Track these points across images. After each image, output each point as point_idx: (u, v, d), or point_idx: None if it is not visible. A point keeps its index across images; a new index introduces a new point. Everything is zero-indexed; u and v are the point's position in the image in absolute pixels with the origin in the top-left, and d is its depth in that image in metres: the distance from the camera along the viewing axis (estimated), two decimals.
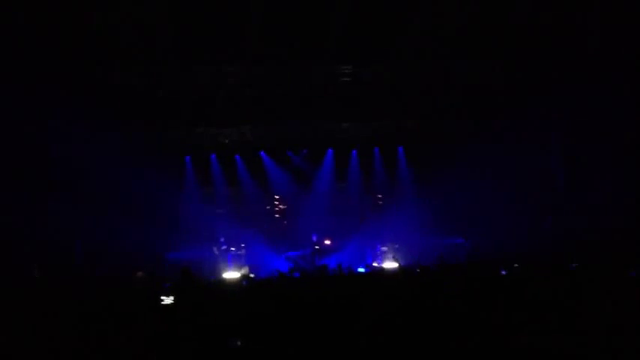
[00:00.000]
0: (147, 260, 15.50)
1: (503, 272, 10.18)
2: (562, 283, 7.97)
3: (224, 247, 17.69)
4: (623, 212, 13.37)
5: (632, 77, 12.95)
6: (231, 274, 16.55)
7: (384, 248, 17.95)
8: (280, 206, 20.19)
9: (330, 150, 19.51)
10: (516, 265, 10.84)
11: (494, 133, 16.73)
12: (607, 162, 14.28)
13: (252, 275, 15.35)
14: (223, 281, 14.65)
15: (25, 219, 13.27)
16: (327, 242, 18.33)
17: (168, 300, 7.87)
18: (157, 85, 15.17)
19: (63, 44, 12.57)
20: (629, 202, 13.36)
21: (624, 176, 13.76)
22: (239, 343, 6.26)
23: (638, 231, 12.49)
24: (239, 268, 17.03)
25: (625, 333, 5.61)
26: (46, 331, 6.49)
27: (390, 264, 17.05)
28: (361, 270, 14.99)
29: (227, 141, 18.72)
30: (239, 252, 17.86)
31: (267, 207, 20.11)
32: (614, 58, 13.19)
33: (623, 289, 7.24)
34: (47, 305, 8.04)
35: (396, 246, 17.85)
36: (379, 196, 20.20)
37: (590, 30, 12.91)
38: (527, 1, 12.30)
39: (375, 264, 17.67)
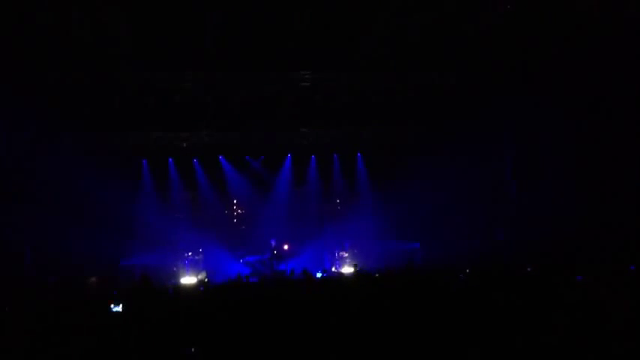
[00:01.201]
0: (101, 267, 15.23)
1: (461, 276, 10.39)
2: (513, 288, 8.17)
3: (182, 252, 17.50)
4: (575, 221, 13.72)
5: (584, 86, 13.33)
6: (189, 280, 16.40)
7: (343, 253, 18.05)
8: (239, 211, 20.12)
9: (289, 155, 19.53)
10: (467, 270, 11.04)
11: (450, 142, 17.00)
12: (558, 172, 14.66)
13: (206, 280, 15.25)
14: (180, 287, 14.49)
15: None
16: (286, 247, 18.33)
17: (118, 307, 7.75)
18: (114, 87, 14.91)
19: (15, 42, 12.25)
20: (580, 211, 13.73)
21: (575, 186, 14.15)
22: (193, 350, 6.22)
23: (588, 238, 12.85)
24: (197, 273, 16.89)
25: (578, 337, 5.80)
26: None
27: (348, 269, 17.17)
28: (319, 275, 15.03)
29: (185, 145, 18.52)
30: (197, 257, 17.71)
31: (226, 212, 20.01)
32: (566, 67, 13.57)
33: (571, 293, 7.46)
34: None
35: (354, 251, 17.98)
36: (337, 201, 20.33)
37: (543, 39, 13.26)
38: (483, 12, 12.55)
39: (333, 269, 17.76)
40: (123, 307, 7.72)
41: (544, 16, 12.50)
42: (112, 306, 7.76)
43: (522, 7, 12.29)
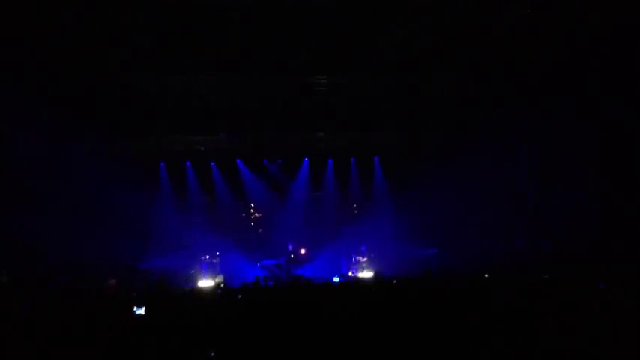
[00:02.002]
0: (119, 269, 15.32)
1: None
2: (532, 294, 8.09)
3: (199, 256, 17.56)
4: (594, 226, 13.57)
5: (602, 89, 13.21)
6: (206, 283, 16.45)
7: (360, 258, 17.99)
8: (256, 215, 20.13)
9: (306, 159, 19.54)
10: (486, 275, 10.96)
11: (468, 146, 16.90)
12: (576, 177, 14.51)
13: (222, 284, 15.28)
14: (197, 290, 14.54)
15: None
16: (303, 251, 18.33)
17: (140, 310, 7.79)
18: (133, 91, 15.04)
19: (38, 47, 12.41)
20: (600, 215, 13.58)
21: (593, 191, 14.00)
22: (212, 353, 6.23)
23: (605, 244, 12.70)
24: (214, 276, 16.95)
25: (595, 343, 5.72)
26: (13, 338, 6.39)
27: (365, 274, 17.12)
28: (336, 279, 15.00)
29: (202, 148, 18.62)
30: (214, 260, 17.75)
31: (243, 215, 20.03)
32: (581, 71, 13.44)
33: (592, 300, 7.36)
34: (15, 312, 7.93)
35: (371, 255, 17.92)
36: (354, 205, 20.27)
37: (559, 44, 13.16)
38: (498, 16, 12.49)
39: (350, 273, 17.71)
40: (145, 309, 7.77)
41: (560, 19, 12.42)
42: (135, 308, 7.81)
43: (539, 10, 12.21)
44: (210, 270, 17.41)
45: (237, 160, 19.23)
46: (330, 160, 19.68)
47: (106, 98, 15.01)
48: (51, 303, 9.43)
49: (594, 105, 13.49)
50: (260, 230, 19.89)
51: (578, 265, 11.25)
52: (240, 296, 9.36)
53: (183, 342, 6.33)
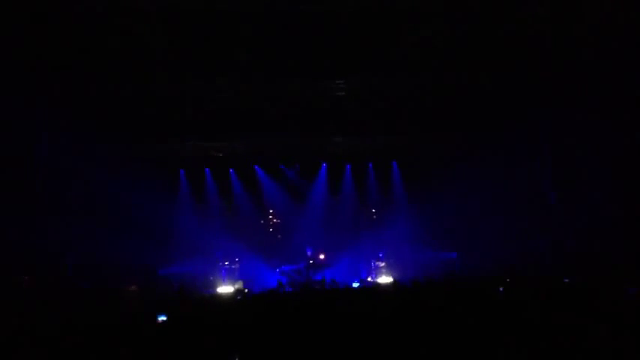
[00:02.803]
0: (139, 274, 15.43)
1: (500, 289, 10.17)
2: (555, 298, 7.98)
3: (218, 262, 17.62)
4: (617, 230, 13.38)
5: (622, 92, 13.05)
6: (225, 289, 16.49)
7: (379, 263, 17.94)
8: (274, 220, 20.19)
9: (324, 164, 19.55)
10: (508, 280, 10.84)
11: (488, 148, 16.79)
12: (598, 179, 14.32)
13: (246, 290, 15.30)
14: (217, 296, 14.58)
15: (15, 230, 13.16)
16: (322, 256, 18.32)
17: (162, 317, 7.82)
18: (150, 97, 15.14)
19: (56, 54, 12.55)
20: (620, 218, 13.38)
21: (616, 194, 13.81)
22: (237, 358, 6.24)
23: (630, 247, 12.51)
24: (233, 282, 16.99)
25: (621, 350, 5.63)
26: (33, 344, 6.43)
27: (384, 279, 17.05)
28: (355, 284, 14.96)
29: (221, 154, 18.72)
30: (233, 266, 17.80)
31: (262, 221, 20.10)
32: (606, 71, 13.28)
33: (618, 305, 7.25)
34: (35, 317, 7.99)
35: (391, 261, 17.85)
36: (373, 210, 20.23)
37: (583, 43, 13.02)
38: (519, 14, 12.38)
39: (369, 279, 17.66)
40: (168, 316, 7.79)
41: (582, 20, 12.29)
42: (158, 315, 7.84)
43: (559, 11, 12.09)
44: (230, 276, 17.46)
45: (255, 166, 19.30)
46: (348, 165, 19.66)
47: (126, 105, 15.13)
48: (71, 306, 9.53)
49: (619, 105, 13.32)
50: (279, 236, 19.94)
51: (602, 269, 11.10)
52: (261, 302, 9.36)
53: (206, 347, 6.34)
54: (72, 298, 12.09)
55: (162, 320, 7.78)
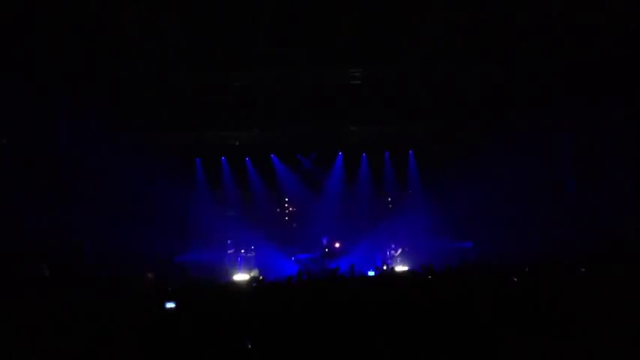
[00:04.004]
0: (156, 262, 15.55)
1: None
2: (571, 287, 7.94)
3: (234, 250, 17.71)
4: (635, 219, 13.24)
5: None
6: (241, 277, 16.58)
7: (394, 252, 17.91)
8: (290, 209, 20.23)
9: (340, 153, 19.52)
10: (526, 269, 10.77)
11: (505, 138, 16.65)
12: (618, 168, 14.14)
13: (261, 277, 15.36)
14: (233, 283, 14.67)
15: (35, 219, 13.33)
16: (337, 245, 18.34)
17: (170, 304, 7.86)
18: (168, 87, 15.22)
19: (75, 45, 12.65)
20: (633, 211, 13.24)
21: (635, 181, 13.64)
22: (249, 345, 6.27)
23: None
24: (249, 270, 17.08)
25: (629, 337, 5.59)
26: (51, 331, 6.53)
27: (400, 267, 17.02)
28: (371, 273, 14.95)
29: (237, 143, 18.76)
30: (249, 254, 17.88)
31: (277, 210, 20.15)
32: (627, 63, 13.09)
33: (632, 292, 7.17)
34: (54, 305, 8.09)
35: (406, 249, 17.82)
36: (389, 199, 20.19)
37: (600, 36, 12.83)
38: (536, 5, 12.22)
39: (384, 267, 17.63)
40: (176, 303, 7.83)
41: (601, 11, 12.10)
42: (166, 303, 7.88)
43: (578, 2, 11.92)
44: (246, 264, 17.55)
45: (272, 155, 19.32)
46: (364, 154, 19.61)
47: (142, 95, 15.24)
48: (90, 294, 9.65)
49: (634, 98, 13.14)
50: (294, 224, 19.98)
51: (619, 260, 10.98)
52: (277, 290, 9.41)
53: (218, 333, 6.39)
54: (90, 285, 12.23)
55: (170, 307, 7.82)
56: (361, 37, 13.08)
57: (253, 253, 17.95)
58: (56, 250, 13.70)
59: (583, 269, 10.42)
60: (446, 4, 11.95)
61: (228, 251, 17.64)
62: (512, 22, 12.63)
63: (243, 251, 17.78)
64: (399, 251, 17.77)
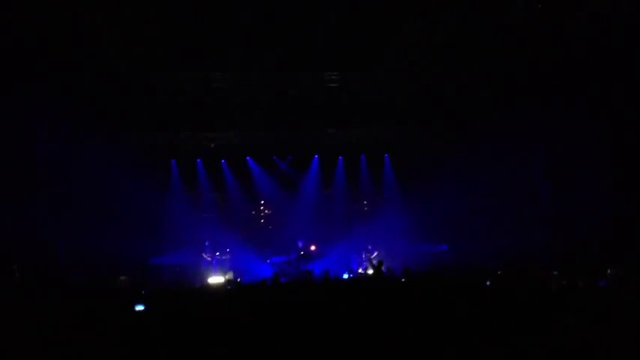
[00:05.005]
0: (130, 264, 15.40)
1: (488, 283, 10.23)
2: (542, 291, 8.05)
3: (209, 252, 17.62)
4: (610, 223, 13.45)
5: (615, 85, 13.08)
6: (216, 279, 16.51)
7: (369, 255, 17.99)
8: (266, 211, 20.20)
9: (316, 156, 19.54)
10: (499, 272, 10.90)
11: (479, 141, 16.81)
12: (591, 170, 14.35)
13: (238, 280, 15.32)
14: (208, 286, 14.60)
15: (6, 219, 13.11)
16: (313, 248, 18.35)
17: (140, 306, 7.78)
18: (143, 88, 15.08)
19: (49, 44, 12.47)
20: (615, 212, 13.45)
21: (608, 185, 13.86)
22: (224, 350, 6.24)
23: (622, 241, 12.59)
24: (224, 273, 17.00)
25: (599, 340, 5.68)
26: (19, 333, 6.43)
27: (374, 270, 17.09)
28: (345, 276, 15.01)
29: (213, 145, 18.66)
30: (224, 257, 17.81)
31: (253, 212, 20.11)
32: (597, 66, 13.31)
33: (595, 298, 7.30)
34: (24, 307, 7.97)
35: (381, 252, 17.91)
36: (365, 202, 20.29)
37: (574, 39, 13.05)
38: (512, 13, 12.42)
39: (360, 270, 17.71)
40: (145, 306, 7.75)
41: (574, 15, 12.32)
42: (135, 305, 7.80)
43: (552, 6, 12.13)
44: (221, 267, 17.47)
45: (248, 157, 19.27)
46: (340, 157, 19.66)
47: (117, 96, 15.06)
48: (62, 298, 9.50)
49: (607, 100, 13.36)
50: (270, 227, 19.96)
51: (589, 263, 11.17)
52: (251, 293, 9.38)
53: (194, 339, 6.35)
54: (62, 287, 12.07)
55: (140, 310, 7.75)
56: (338, 41, 13.13)
57: (228, 256, 17.89)
58: (28, 251, 13.48)
59: (555, 272, 10.58)
60: (421, 11, 12.07)
61: (205, 253, 17.53)
62: (488, 26, 12.81)
63: (218, 254, 17.70)
64: (375, 254, 17.84)
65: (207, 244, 17.58)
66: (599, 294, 7.67)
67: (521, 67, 14.53)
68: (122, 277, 14.16)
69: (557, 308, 6.74)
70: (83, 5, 11.43)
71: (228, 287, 12.03)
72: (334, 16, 12.22)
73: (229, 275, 16.57)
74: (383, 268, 12.27)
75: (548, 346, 5.73)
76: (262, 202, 20.05)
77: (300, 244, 17.82)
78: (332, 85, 15.44)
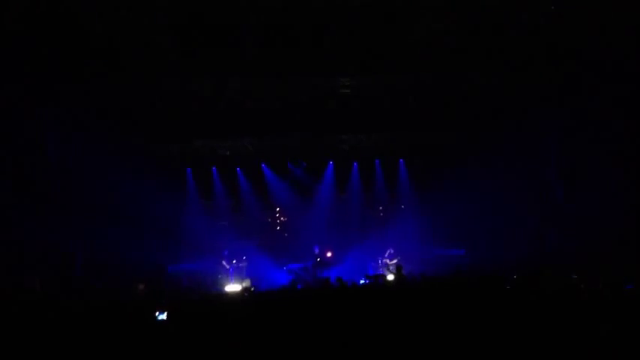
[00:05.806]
0: (148, 272, 15.49)
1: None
2: (562, 294, 7.96)
3: (226, 260, 17.65)
4: (623, 223, 13.32)
5: (629, 85, 12.98)
6: (233, 287, 16.54)
7: (386, 260, 17.93)
8: (281, 218, 20.22)
9: (330, 162, 19.54)
10: (515, 276, 10.81)
11: (493, 143, 16.71)
12: (606, 172, 14.23)
13: (253, 288, 15.33)
14: (225, 294, 14.63)
15: (25, 230, 13.25)
16: (329, 254, 18.33)
17: (162, 315, 7.79)
18: (157, 96, 15.17)
19: (63, 52, 12.59)
20: (628, 212, 13.32)
21: (623, 186, 13.73)
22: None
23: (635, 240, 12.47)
24: (241, 280, 17.03)
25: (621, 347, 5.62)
26: (41, 343, 6.48)
27: (391, 276, 17.02)
28: (362, 282, 14.95)
29: (228, 153, 18.75)
30: (241, 264, 17.84)
31: (269, 219, 20.14)
32: (611, 66, 13.20)
33: (619, 301, 7.22)
34: (44, 317, 8.03)
35: (398, 257, 17.84)
36: (380, 208, 20.23)
37: (587, 40, 12.96)
38: (526, 13, 12.37)
39: (377, 276, 17.63)
40: (168, 315, 7.76)
41: (589, 17, 12.24)
42: (157, 314, 7.82)
43: (566, 8, 12.06)
44: (237, 274, 17.50)
45: (262, 164, 19.32)
46: (355, 163, 19.65)
47: (134, 105, 15.18)
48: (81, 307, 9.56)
49: (621, 100, 13.26)
50: (286, 234, 19.97)
51: (606, 266, 11.05)
52: (269, 301, 9.38)
53: (210, 347, 6.37)
54: (81, 296, 12.16)
55: (162, 319, 7.76)
56: (351, 46, 13.14)
57: (245, 263, 17.91)
58: (47, 261, 13.62)
59: (575, 276, 10.49)
60: (435, 14, 12.06)
61: (223, 262, 17.57)
62: (501, 28, 12.76)
63: (235, 261, 17.73)
64: (394, 260, 17.73)
65: (225, 253, 17.59)
66: (628, 299, 7.58)
67: (535, 68, 14.43)
68: (140, 285, 14.25)
69: (587, 315, 6.65)
70: (98, 13, 11.56)
71: (246, 295, 12.04)
72: (347, 20, 12.24)
73: (246, 283, 16.60)
74: (403, 272, 12.20)
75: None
76: (278, 209, 20.07)
77: (317, 251, 17.81)
78: (344, 90, 15.41)
